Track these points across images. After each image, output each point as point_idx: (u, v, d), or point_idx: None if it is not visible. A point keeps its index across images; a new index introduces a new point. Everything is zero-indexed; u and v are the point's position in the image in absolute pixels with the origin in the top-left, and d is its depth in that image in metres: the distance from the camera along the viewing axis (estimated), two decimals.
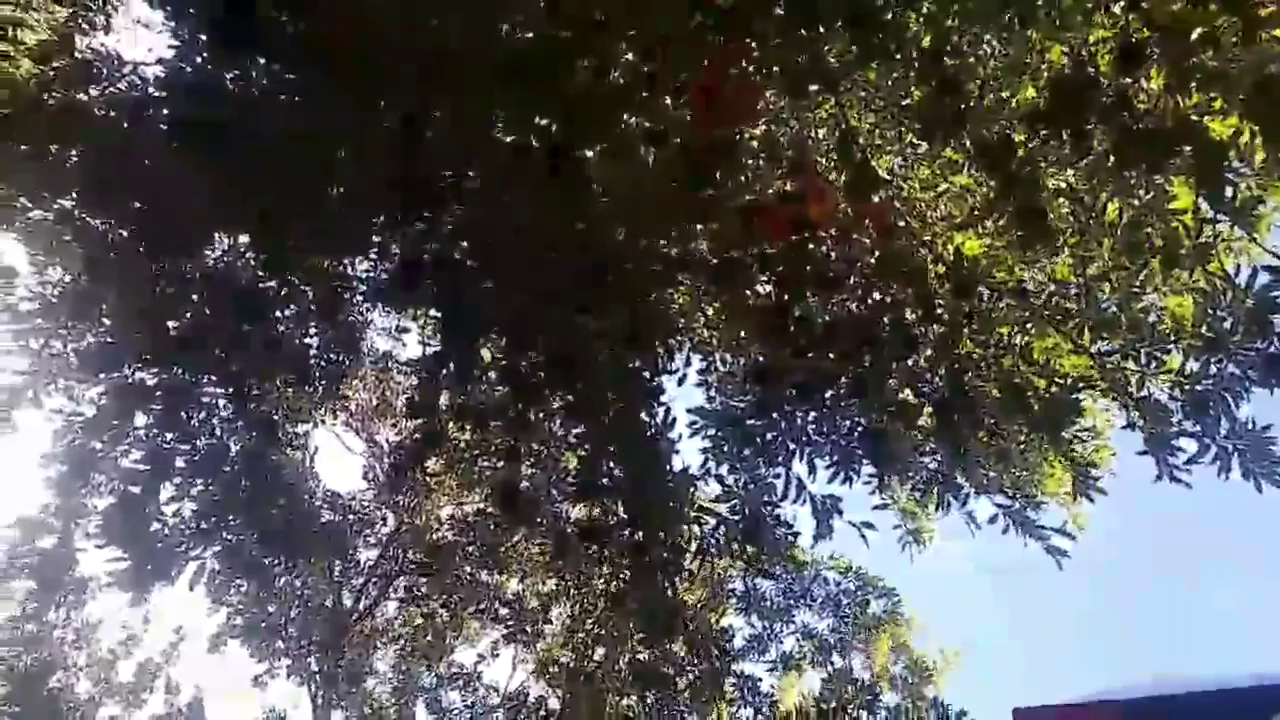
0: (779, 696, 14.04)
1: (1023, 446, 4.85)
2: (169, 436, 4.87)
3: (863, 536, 4.80)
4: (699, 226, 4.51)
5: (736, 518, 4.98)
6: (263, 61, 4.14)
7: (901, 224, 4.58)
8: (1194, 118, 3.62)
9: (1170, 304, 4.44)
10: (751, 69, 4.10)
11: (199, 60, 4.17)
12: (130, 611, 18.49)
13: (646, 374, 5.03)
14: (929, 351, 4.71)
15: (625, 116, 4.25)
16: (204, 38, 4.10)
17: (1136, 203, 4.10)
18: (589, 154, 4.45)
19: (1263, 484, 4.23)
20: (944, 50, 3.90)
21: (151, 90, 4.31)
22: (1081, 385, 4.66)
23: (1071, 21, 3.76)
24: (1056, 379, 4.62)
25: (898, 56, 3.93)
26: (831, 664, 14.58)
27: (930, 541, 6.06)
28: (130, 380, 4.89)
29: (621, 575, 5.93)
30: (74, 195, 4.68)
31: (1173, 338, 4.40)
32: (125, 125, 4.33)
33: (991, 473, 4.99)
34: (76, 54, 4.42)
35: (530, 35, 4.12)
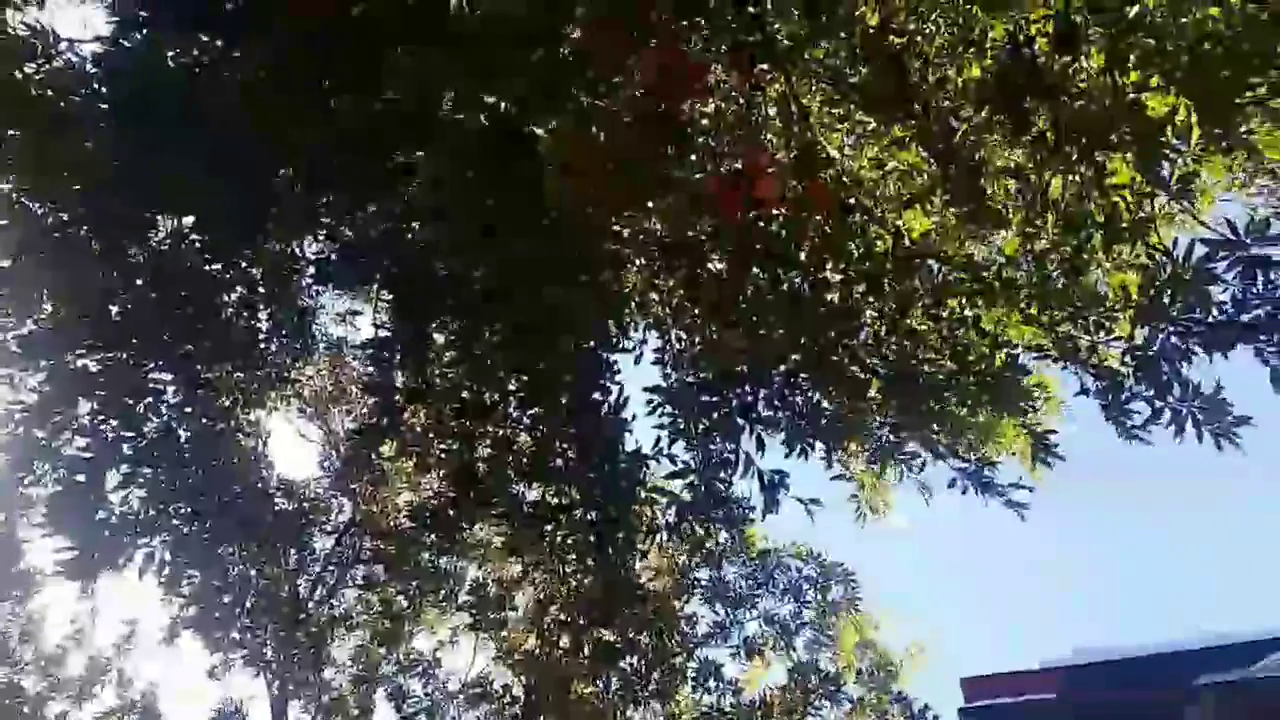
0: (743, 683, 14.21)
1: (972, 412, 4.94)
2: (114, 423, 4.77)
3: (809, 512, 4.86)
4: (650, 205, 4.53)
5: (689, 496, 5.02)
6: (205, 38, 4.06)
7: (851, 201, 4.64)
8: (1132, 96, 3.70)
9: (1113, 279, 4.54)
10: (701, 45, 4.12)
11: (139, 36, 4.07)
12: (79, 604, 18.19)
13: (601, 354, 5.05)
14: (879, 326, 4.79)
15: (577, 95, 4.25)
16: (144, 13, 4.00)
17: (1078, 179, 4.18)
18: (541, 133, 4.45)
19: (1221, 444, 4.33)
20: (889, 28, 3.94)
21: (90, 68, 4.21)
22: (1033, 354, 4.77)
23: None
24: (1008, 348, 4.71)
25: (843, 35, 3.97)
26: (793, 649, 14.79)
27: (887, 512, 6.17)
28: (73, 366, 4.79)
29: (578, 555, 5.96)
30: (11, 177, 4.56)
31: (1119, 307, 4.50)
32: (63, 104, 4.22)
33: (944, 439, 5.09)
34: (9, 30, 4.29)
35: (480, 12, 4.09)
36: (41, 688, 17.57)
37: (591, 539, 5.22)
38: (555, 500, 5.13)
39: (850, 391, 4.77)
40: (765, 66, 4.36)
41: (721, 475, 4.96)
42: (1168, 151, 3.85)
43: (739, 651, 14.71)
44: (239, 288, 5.17)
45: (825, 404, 4.94)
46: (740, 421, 4.84)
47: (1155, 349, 4.35)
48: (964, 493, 5.13)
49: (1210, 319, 4.09)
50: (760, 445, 4.83)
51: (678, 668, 13.16)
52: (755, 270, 4.55)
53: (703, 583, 14.69)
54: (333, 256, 5.09)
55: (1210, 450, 4.27)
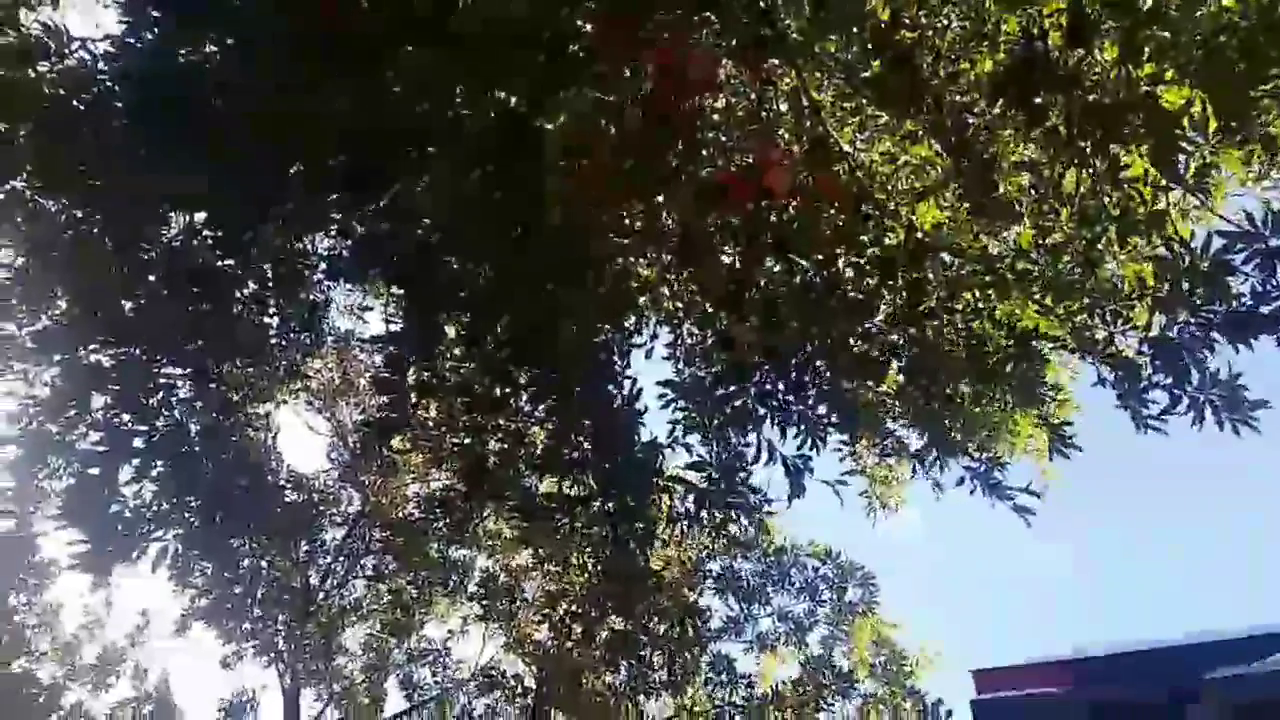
0: (757, 677, 14.24)
1: (986, 407, 4.94)
2: (127, 417, 4.80)
3: (836, 493, 4.88)
4: (662, 198, 4.52)
5: (707, 486, 5.02)
6: (215, 36, 4.06)
7: (863, 194, 4.62)
8: (1146, 89, 3.68)
9: (1128, 271, 4.52)
10: (712, 40, 4.10)
11: (150, 35, 4.07)
12: (94, 595, 18.33)
13: (613, 346, 5.05)
14: (893, 317, 4.79)
15: (587, 88, 4.23)
16: (155, 13, 4.00)
17: (1091, 172, 4.16)
18: (550, 127, 4.43)
19: (1240, 431, 4.31)
20: (901, 22, 3.92)
21: (102, 66, 4.21)
22: (1048, 343, 4.76)
23: None
24: (1022, 338, 4.70)
25: (855, 30, 3.95)
26: (806, 646, 14.80)
27: (899, 508, 6.18)
28: (86, 362, 4.81)
29: (595, 547, 5.97)
30: (24, 176, 4.57)
31: (1136, 296, 4.48)
32: (76, 103, 4.22)
33: (956, 435, 5.08)
34: (22, 29, 4.30)
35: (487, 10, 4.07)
36: (58, 677, 17.72)
37: (607, 531, 5.22)
38: (571, 491, 5.14)
39: (866, 376, 4.77)
40: (776, 61, 4.34)
41: (738, 466, 4.96)
42: (1183, 144, 3.82)
43: (752, 646, 14.74)
44: (250, 283, 5.18)
45: (840, 395, 4.93)
46: (761, 410, 4.83)
47: (1175, 339, 4.34)
48: (972, 493, 5.13)
49: (1230, 310, 4.07)
50: (784, 433, 4.83)
51: (692, 660, 13.19)
52: (768, 263, 4.54)
53: (717, 575, 14.71)
54: (343, 252, 5.09)
55: (1215, 452, 4.26)
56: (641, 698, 12.81)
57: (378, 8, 3.96)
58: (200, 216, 4.82)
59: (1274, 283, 3.88)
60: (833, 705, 13.89)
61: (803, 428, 4.92)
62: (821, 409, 4.94)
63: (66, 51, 4.29)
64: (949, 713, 13.72)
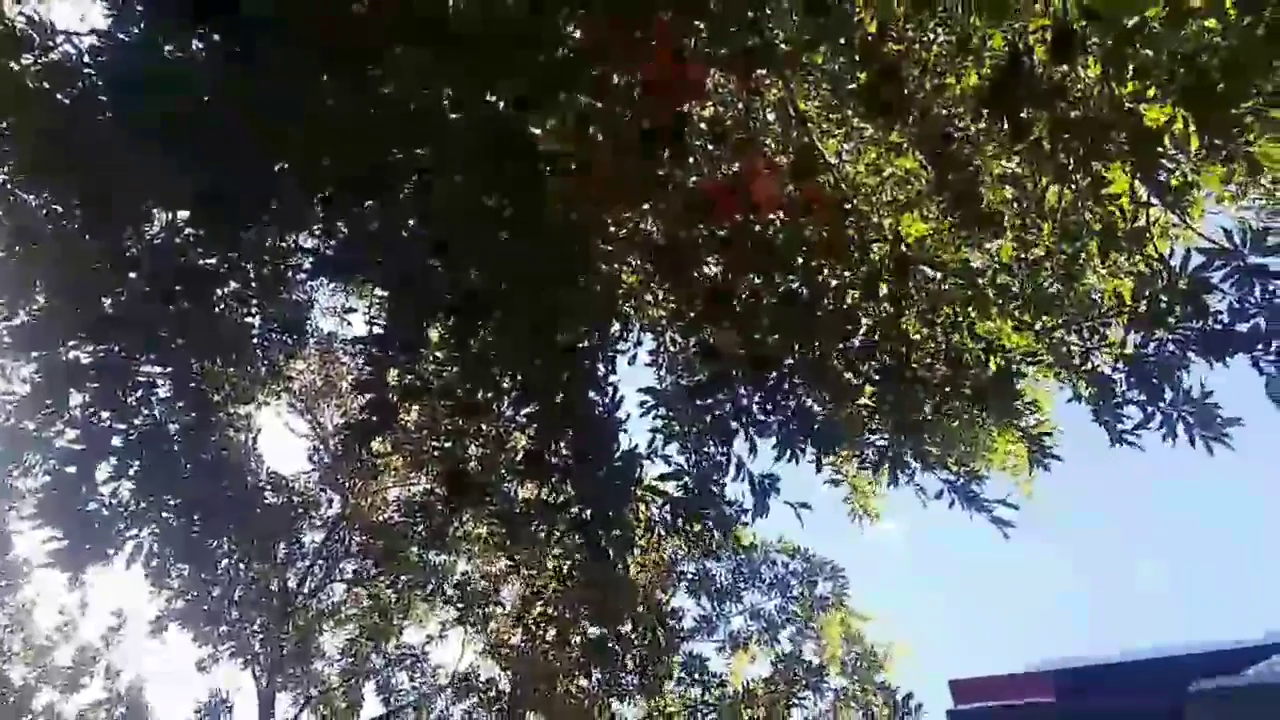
0: (729, 676, 14.27)
1: (966, 421, 4.96)
2: (105, 415, 4.76)
3: (798, 516, 4.88)
4: (647, 206, 4.53)
5: (684, 495, 5.02)
6: (203, 31, 4.04)
7: (847, 206, 4.64)
8: (1129, 105, 3.72)
9: (1108, 286, 4.57)
10: (701, 48, 4.12)
11: (136, 30, 4.05)
12: (68, 595, 18.14)
13: (596, 354, 5.04)
14: (875, 330, 4.80)
15: (576, 96, 4.24)
16: (141, 6, 3.99)
17: (1074, 188, 4.20)
18: (539, 133, 4.44)
19: (1213, 448, 4.33)
20: (888, 35, 3.95)
21: (87, 60, 4.18)
22: (1025, 360, 4.79)
23: (1011, 8, 3.83)
24: (1001, 355, 4.73)
25: (842, 41, 3.98)
26: (778, 643, 14.85)
27: (878, 518, 6.19)
28: (65, 358, 4.77)
29: (571, 554, 5.95)
30: (6, 168, 4.54)
31: (1113, 313, 4.52)
32: (59, 96, 4.20)
33: (935, 449, 5.10)
34: (6, 21, 4.27)
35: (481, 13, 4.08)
36: (29, 678, 17.51)
37: (582, 538, 5.21)
38: (550, 498, 5.13)
39: (844, 395, 4.78)
40: (764, 71, 4.36)
41: (714, 477, 4.96)
42: (1164, 161, 3.86)
43: (725, 646, 14.78)
44: (232, 282, 5.16)
45: (818, 408, 4.95)
46: (734, 425, 4.85)
47: (1152, 356, 4.37)
48: (950, 506, 5.15)
49: (1207, 327, 4.11)
50: (753, 448, 4.84)
51: (665, 662, 13.21)
52: (751, 273, 4.56)
53: (689, 576, 14.75)
54: (329, 252, 5.07)
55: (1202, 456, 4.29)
56: (615, 700, 12.80)
57: (376, 6, 3.95)
58: (184, 213, 4.80)
59: (1251, 300, 3.92)
60: (804, 701, 13.94)
61: (782, 436, 4.93)
62: (801, 420, 4.96)
63: (51, 44, 4.27)
64: (919, 706, 13.76)
